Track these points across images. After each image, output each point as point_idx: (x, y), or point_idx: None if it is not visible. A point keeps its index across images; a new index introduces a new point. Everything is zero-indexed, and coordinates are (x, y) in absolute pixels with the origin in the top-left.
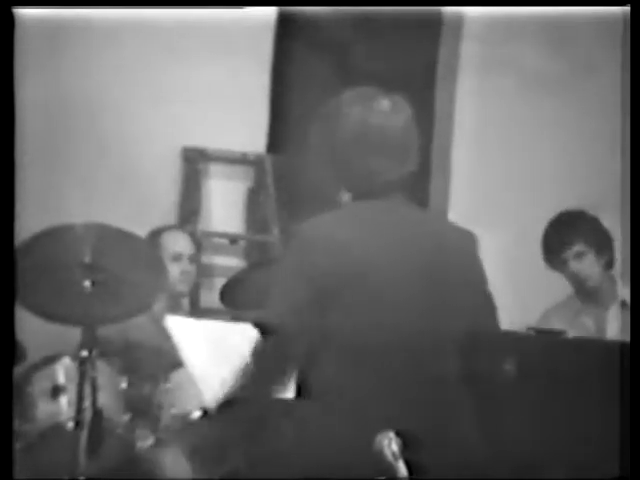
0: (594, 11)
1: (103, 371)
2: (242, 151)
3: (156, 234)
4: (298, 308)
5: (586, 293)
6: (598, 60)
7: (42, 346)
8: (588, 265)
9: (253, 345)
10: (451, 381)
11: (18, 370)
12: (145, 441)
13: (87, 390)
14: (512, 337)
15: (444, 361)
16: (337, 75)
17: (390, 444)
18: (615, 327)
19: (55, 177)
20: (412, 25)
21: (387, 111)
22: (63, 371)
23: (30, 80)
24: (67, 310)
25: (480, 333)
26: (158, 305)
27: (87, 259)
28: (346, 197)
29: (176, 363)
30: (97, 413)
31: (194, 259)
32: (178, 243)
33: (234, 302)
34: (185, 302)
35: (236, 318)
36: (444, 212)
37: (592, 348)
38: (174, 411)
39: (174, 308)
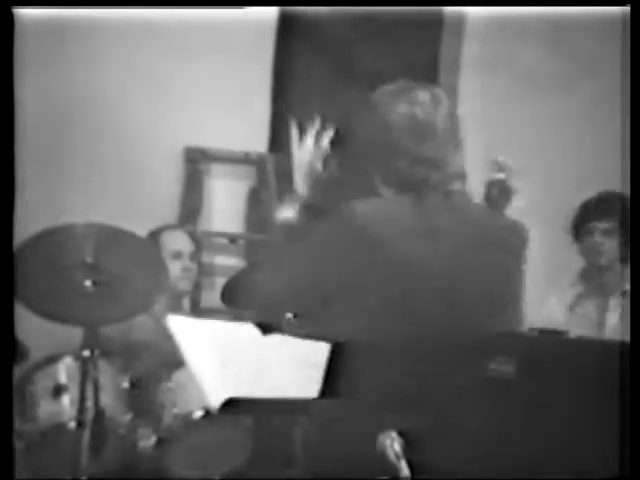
0: (594, 11)
1: (105, 371)
2: (244, 151)
3: (156, 234)
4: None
5: (595, 271)
6: (598, 60)
7: (44, 346)
8: (609, 244)
9: None
10: (478, 382)
11: (20, 370)
12: (147, 441)
13: (89, 390)
14: (513, 337)
15: (476, 362)
16: (338, 75)
17: (392, 444)
18: (616, 315)
19: (55, 177)
20: (413, 25)
21: (428, 104)
22: (65, 371)
23: (30, 80)
24: (69, 310)
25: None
26: (159, 305)
27: (88, 259)
28: (388, 193)
29: (178, 363)
30: (99, 413)
31: (194, 257)
32: (177, 241)
33: (235, 302)
34: (186, 302)
35: (237, 318)
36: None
37: (592, 348)
38: (176, 411)
39: (175, 308)
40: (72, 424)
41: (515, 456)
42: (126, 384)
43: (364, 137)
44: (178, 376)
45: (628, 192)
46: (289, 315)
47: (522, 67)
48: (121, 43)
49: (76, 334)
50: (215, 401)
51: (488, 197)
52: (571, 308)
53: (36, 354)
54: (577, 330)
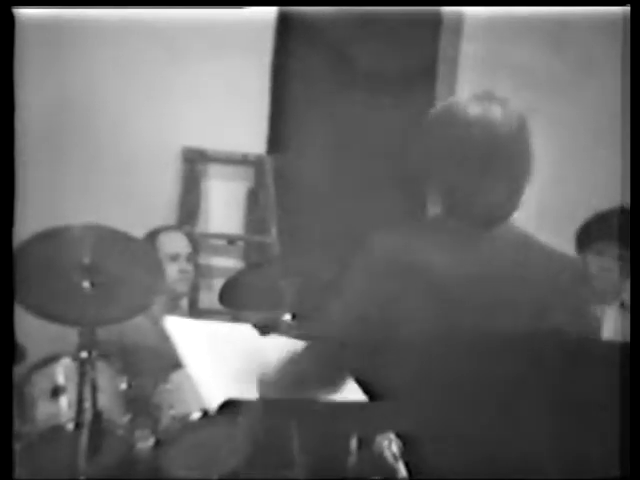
0: (594, 11)
1: (103, 372)
2: (242, 152)
3: (153, 235)
4: (366, 312)
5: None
6: (598, 60)
7: (42, 347)
8: (605, 264)
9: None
10: (513, 385)
11: (18, 371)
12: (145, 442)
13: (87, 391)
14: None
15: (509, 366)
16: (337, 75)
17: (390, 445)
18: (611, 328)
19: (54, 177)
20: (411, 25)
21: (500, 122)
22: (63, 372)
23: (30, 80)
24: (66, 311)
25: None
26: (157, 306)
27: (86, 260)
28: (437, 210)
29: (176, 364)
30: (97, 414)
31: (191, 258)
32: (175, 243)
33: (233, 303)
34: (184, 303)
35: (235, 319)
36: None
37: (592, 348)
38: (174, 412)
39: (173, 309)
40: (70, 425)
41: (515, 456)
42: (124, 385)
43: (422, 150)
44: (176, 378)
45: (628, 192)
46: (287, 316)
47: (521, 67)
48: (120, 43)
49: (74, 335)
50: (213, 402)
51: None
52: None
53: (34, 355)
54: None
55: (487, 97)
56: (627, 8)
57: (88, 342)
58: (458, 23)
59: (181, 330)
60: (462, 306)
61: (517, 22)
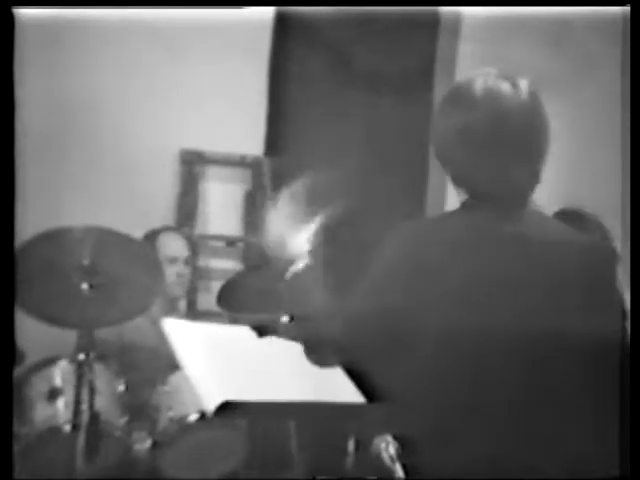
0: (594, 11)
1: (100, 374)
2: (240, 153)
3: (152, 236)
4: (386, 306)
5: None
6: (598, 60)
7: (39, 349)
8: None
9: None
10: (518, 386)
11: (16, 372)
12: (142, 444)
13: (84, 393)
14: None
15: (530, 368)
16: (335, 76)
17: (388, 447)
18: None
19: (54, 179)
20: (409, 25)
21: (510, 98)
22: (60, 374)
23: (30, 80)
24: (65, 313)
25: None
26: (155, 308)
27: (85, 262)
28: (463, 198)
29: (173, 366)
30: (94, 416)
31: (189, 262)
32: (173, 246)
33: (231, 305)
34: (182, 305)
35: (233, 321)
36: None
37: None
38: (171, 414)
39: (171, 311)
40: (67, 427)
41: (515, 456)
42: (121, 387)
43: (439, 135)
44: (173, 379)
45: (628, 192)
46: (285, 318)
47: (520, 67)
48: (120, 43)
49: (71, 337)
50: (211, 404)
51: None
52: None
53: (31, 357)
54: None
55: (494, 74)
56: (627, 8)
57: (86, 344)
58: (456, 23)
59: (179, 332)
60: (482, 305)
61: (515, 22)
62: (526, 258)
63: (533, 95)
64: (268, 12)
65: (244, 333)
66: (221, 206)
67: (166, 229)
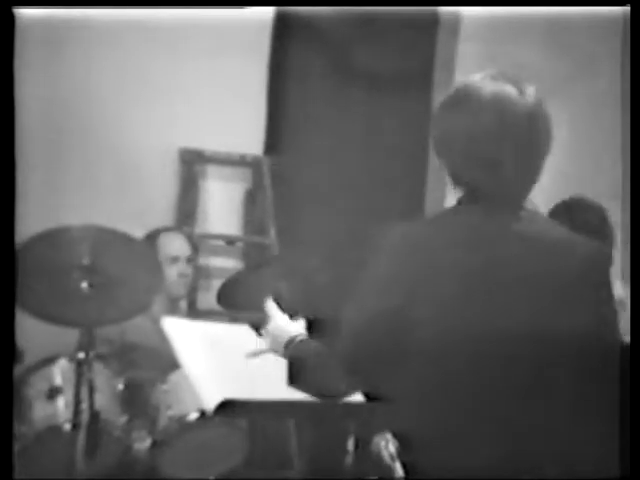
0: (594, 11)
1: (100, 373)
2: (239, 152)
3: (153, 236)
4: (386, 311)
5: None
6: (598, 60)
7: (39, 348)
8: None
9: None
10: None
11: (15, 372)
12: (142, 443)
13: (84, 392)
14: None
15: (531, 371)
16: (335, 75)
17: (387, 445)
18: None
19: (54, 178)
20: (409, 25)
21: (514, 100)
22: (60, 373)
23: (30, 80)
24: (64, 312)
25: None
26: (156, 306)
27: (84, 261)
28: (458, 194)
29: (173, 365)
30: (94, 415)
31: (191, 261)
32: (175, 245)
33: (231, 304)
34: (182, 304)
35: (233, 320)
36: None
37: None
38: (171, 413)
39: (171, 310)
40: (67, 426)
41: (515, 456)
42: (121, 386)
43: (443, 130)
44: (173, 378)
45: (628, 193)
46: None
47: (519, 67)
48: (120, 43)
49: (71, 336)
50: (210, 403)
51: None
52: None
53: (31, 356)
54: None
55: (501, 77)
56: (627, 8)
57: (86, 343)
58: (455, 23)
59: (179, 331)
60: (482, 305)
61: (515, 22)
62: (524, 257)
63: (538, 101)
64: (268, 12)
65: (244, 332)
66: (221, 205)
67: (167, 229)
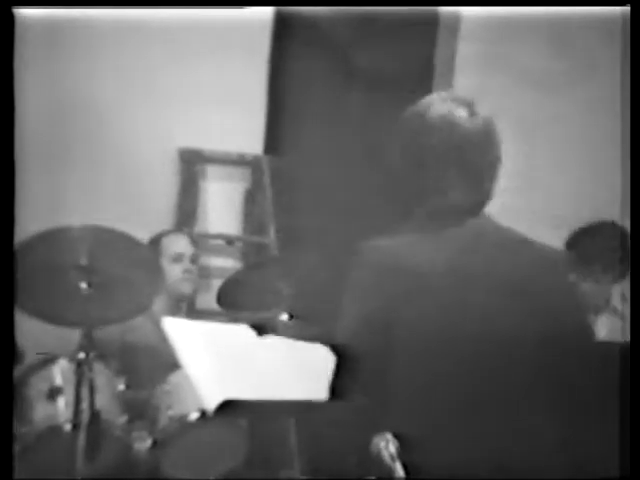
0: (594, 11)
1: (100, 373)
2: (239, 152)
3: (156, 240)
4: (369, 324)
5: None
6: (598, 60)
7: (39, 348)
8: (593, 276)
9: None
10: (513, 386)
11: (15, 372)
12: (143, 443)
13: (84, 392)
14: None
15: (508, 367)
16: (334, 75)
17: (387, 446)
18: (603, 334)
19: (53, 178)
20: (409, 25)
21: (468, 124)
22: (60, 373)
23: (30, 80)
24: (64, 312)
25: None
26: (156, 306)
27: (84, 261)
28: (420, 212)
29: (174, 365)
30: (94, 415)
31: (195, 259)
32: (178, 244)
33: (231, 303)
34: (182, 304)
35: (233, 320)
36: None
37: (592, 348)
38: (171, 413)
39: (176, 309)
40: (67, 426)
41: (515, 456)
42: (122, 386)
43: (399, 151)
44: (174, 378)
45: (628, 193)
46: (284, 316)
47: (519, 67)
48: (119, 43)
49: (71, 336)
50: (211, 403)
51: None
52: None
53: (31, 356)
54: None
55: (452, 98)
56: (627, 8)
57: (86, 343)
58: (455, 23)
59: (178, 331)
60: (455, 307)
61: (515, 22)
62: (493, 260)
63: (487, 121)
64: (268, 12)
65: (244, 331)
66: (221, 205)
67: (169, 232)
